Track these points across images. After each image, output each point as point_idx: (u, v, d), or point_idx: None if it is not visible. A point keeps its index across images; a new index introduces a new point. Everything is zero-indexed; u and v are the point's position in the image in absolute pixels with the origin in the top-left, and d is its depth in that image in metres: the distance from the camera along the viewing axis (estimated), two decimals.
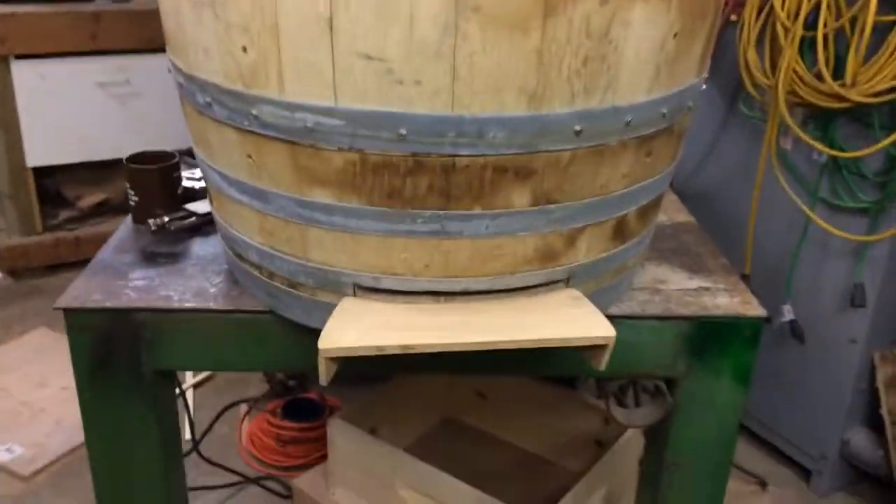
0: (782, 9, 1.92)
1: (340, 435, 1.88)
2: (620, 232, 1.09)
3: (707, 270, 1.33)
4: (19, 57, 3.08)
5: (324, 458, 2.00)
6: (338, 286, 1.05)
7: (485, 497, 1.65)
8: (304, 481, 2.00)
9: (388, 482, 1.81)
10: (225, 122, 0.99)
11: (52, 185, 3.44)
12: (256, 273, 1.14)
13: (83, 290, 1.21)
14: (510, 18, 0.83)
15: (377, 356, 0.96)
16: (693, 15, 0.95)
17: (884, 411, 2.09)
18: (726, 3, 2.16)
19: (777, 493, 2.27)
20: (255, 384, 2.61)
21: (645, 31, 0.90)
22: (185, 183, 1.49)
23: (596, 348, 1.01)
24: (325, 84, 0.88)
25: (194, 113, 1.06)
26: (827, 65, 1.87)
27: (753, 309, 1.22)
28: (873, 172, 1.95)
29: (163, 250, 1.35)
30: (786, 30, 1.93)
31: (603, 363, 1.01)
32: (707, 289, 1.27)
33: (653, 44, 0.92)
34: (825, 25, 1.85)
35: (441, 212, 0.95)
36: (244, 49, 0.90)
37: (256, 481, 2.22)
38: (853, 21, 1.82)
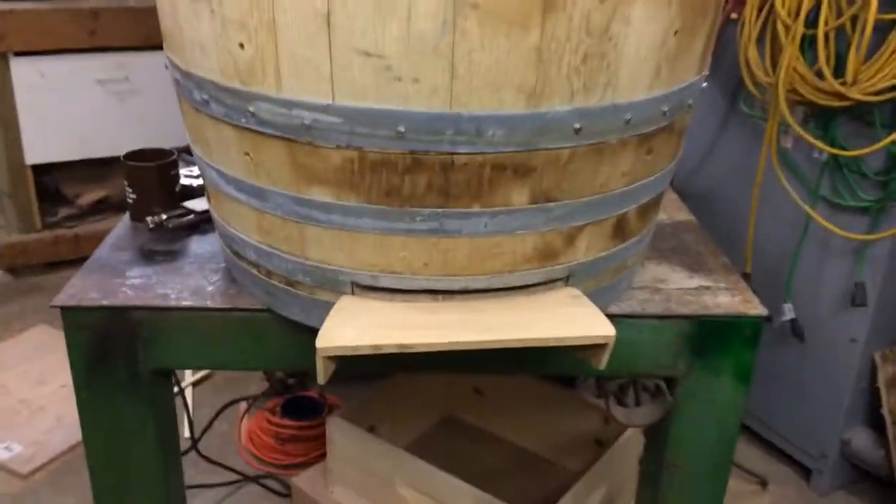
0: (783, 7, 1.92)
1: (339, 433, 1.87)
2: (620, 230, 1.09)
3: (707, 269, 1.32)
4: (18, 54, 3.07)
5: (323, 456, 2.00)
6: (336, 285, 1.04)
7: (484, 496, 1.65)
8: (303, 480, 2.00)
9: (387, 480, 1.80)
10: (222, 120, 0.98)
11: (52, 182, 3.44)
12: (254, 271, 1.13)
13: (80, 289, 1.20)
14: (509, 15, 0.82)
15: (375, 355, 0.96)
16: (694, 12, 0.94)
17: (885, 411, 2.08)
18: (727, 1, 2.15)
19: (777, 492, 2.27)
20: (255, 382, 2.61)
21: (645, 28, 0.89)
22: (184, 180, 1.49)
23: (596, 347, 1.00)
24: (323, 81, 0.87)
25: (191, 110, 1.06)
26: (828, 63, 1.86)
27: (754, 308, 1.21)
28: (874, 171, 1.95)
29: (160, 248, 1.34)
30: (786, 28, 1.92)
31: (603, 362, 1.01)
32: (707, 288, 1.26)
33: (653, 41, 0.91)
34: (826, 23, 1.84)
35: (440, 210, 0.95)
36: (241, 45, 0.90)
37: (256, 480, 2.21)
38: (854, 19, 1.81)
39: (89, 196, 3.50)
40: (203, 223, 1.40)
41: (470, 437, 2.23)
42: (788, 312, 2.21)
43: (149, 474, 1.28)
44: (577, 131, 0.92)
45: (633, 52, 0.90)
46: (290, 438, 2.29)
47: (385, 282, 1.02)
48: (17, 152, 3.20)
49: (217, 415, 2.25)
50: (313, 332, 0.97)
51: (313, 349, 0.94)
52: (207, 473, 2.16)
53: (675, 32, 0.93)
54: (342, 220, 0.97)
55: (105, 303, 1.17)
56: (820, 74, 1.88)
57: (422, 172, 0.92)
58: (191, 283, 1.23)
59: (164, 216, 1.38)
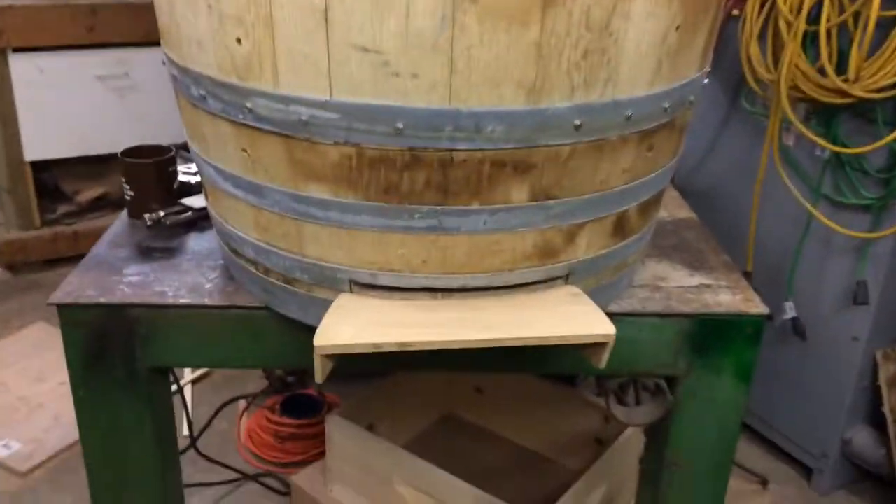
0: (785, 3, 1.91)
1: (339, 431, 1.87)
2: (621, 228, 1.08)
3: (708, 267, 1.31)
4: (17, 50, 3.06)
5: (322, 454, 2.00)
6: (334, 282, 1.03)
7: (483, 494, 1.64)
8: (302, 478, 1.99)
9: (386, 479, 1.80)
10: (219, 116, 0.98)
11: (51, 179, 3.43)
12: (252, 269, 1.13)
13: (77, 286, 1.20)
14: (509, 10, 0.82)
15: (374, 353, 0.95)
16: (695, 7, 0.93)
17: (886, 410, 2.08)
18: None
19: (778, 491, 2.26)
20: (254, 380, 2.60)
21: (646, 23, 0.88)
22: (182, 177, 1.48)
23: (596, 346, 1.00)
24: (321, 77, 0.87)
25: (189, 106, 1.05)
26: (830, 60, 1.85)
27: (755, 306, 1.20)
28: (876, 169, 1.94)
29: (158, 245, 1.34)
30: (788, 24, 1.91)
31: (603, 361, 1.00)
32: (708, 286, 1.25)
33: (654, 37, 0.90)
34: (828, 20, 1.84)
35: (438, 207, 0.94)
36: (238, 41, 0.89)
37: (255, 478, 2.21)
38: (856, 16, 1.80)
39: (88, 193, 3.49)
40: (201, 220, 1.40)
41: (469, 436, 2.22)
42: (790, 311, 2.21)
43: (146, 472, 1.28)
44: (577, 128, 0.91)
45: (634, 47, 0.89)
46: (289, 437, 2.29)
47: (384, 280, 1.01)
48: (15, 149, 3.19)
49: (216, 413, 2.25)
50: (311, 330, 0.96)
51: (311, 347, 0.93)
52: (206, 472, 2.16)
53: (677, 28, 0.92)
54: (340, 217, 0.96)
55: (102, 300, 1.17)
56: (822, 71, 1.87)
57: (420, 169, 0.91)
58: (188, 280, 1.22)
59: (161, 213, 1.37)
